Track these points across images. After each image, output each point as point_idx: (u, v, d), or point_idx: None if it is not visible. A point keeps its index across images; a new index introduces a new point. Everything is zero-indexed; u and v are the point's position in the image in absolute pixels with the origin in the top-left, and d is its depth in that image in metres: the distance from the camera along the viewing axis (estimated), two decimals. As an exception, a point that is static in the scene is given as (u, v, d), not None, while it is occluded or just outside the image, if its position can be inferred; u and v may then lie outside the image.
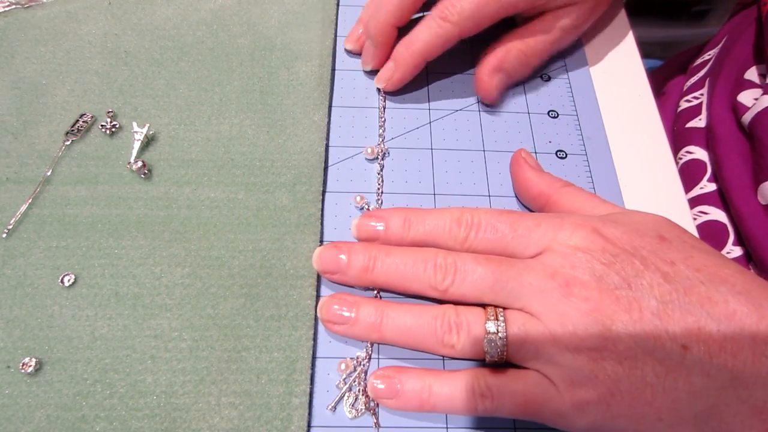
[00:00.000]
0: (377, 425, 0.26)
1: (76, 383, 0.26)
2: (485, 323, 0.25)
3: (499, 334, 0.24)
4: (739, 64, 0.44)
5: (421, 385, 0.25)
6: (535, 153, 0.36)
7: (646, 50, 0.42)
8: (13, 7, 0.38)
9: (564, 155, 0.36)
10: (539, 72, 0.39)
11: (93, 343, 0.27)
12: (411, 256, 0.27)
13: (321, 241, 0.31)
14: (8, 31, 0.37)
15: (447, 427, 0.26)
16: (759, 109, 0.38)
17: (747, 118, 0.39)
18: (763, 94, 0.38)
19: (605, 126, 0.37)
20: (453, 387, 0.25)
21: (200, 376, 0.27)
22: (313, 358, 0.28)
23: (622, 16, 0.43)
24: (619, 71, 0.40)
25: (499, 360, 0.25)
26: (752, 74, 0.41)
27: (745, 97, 0.40)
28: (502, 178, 0.34)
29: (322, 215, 0.32)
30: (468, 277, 0.26)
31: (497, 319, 0.25)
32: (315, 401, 0.27)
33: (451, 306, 0.26)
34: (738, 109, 0.40)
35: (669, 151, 0.36)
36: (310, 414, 0.27)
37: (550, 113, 0.37)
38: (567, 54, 0.40)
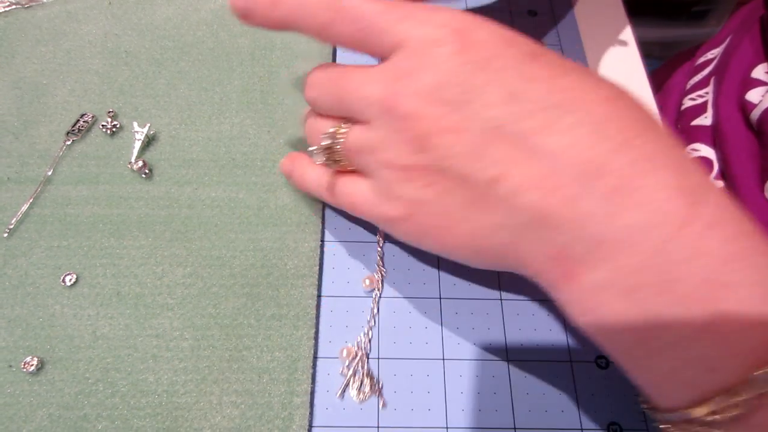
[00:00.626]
0: (384, 405, 0.27)
1: (77, 382, 0.26)
2: (320, 137, 0.25)
3: (335, 146, 0.25)
4: (746, 62, 0.44)
5: (300, 171, 0.29)
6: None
7: (646, 50, 0.42)
8: (14, 7, 0.38)
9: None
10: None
11: (95, 343, 0.27)
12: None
13: (322, 241, 0.31)
14: (8, 31, 0.37)
15: (447, 427, 0.27)
16: (764, 107, 0.38)
17: (755, 115, 0.39)
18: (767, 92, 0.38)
19: (605, 125, 0.37)
20: (312, 175, 0.28)
21: (202, 375, 0.27)
22: (314, 357, 0.28)
23: (622, 16, 0.43)
24: (619, 71, 0.40)
25: (340, 168, 0.26)
26: (759, 72, 0.41)
27: (753, 95, 0.40)
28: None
29: (323, 215, 0.32)
30: (324, 93, 0.25)
31: (336, 133, 0.25)
32: (316, 400, 0.27)
33: (311, 118, 0.27)
34: (746, 107, 0.40)
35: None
36: (311, 413, 0.27)
37: (550, 113, 0.38)
38: (567, 54, 0.40)
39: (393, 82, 0.22)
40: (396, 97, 0.22)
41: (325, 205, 0.32)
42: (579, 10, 0.43)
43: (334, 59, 0.38)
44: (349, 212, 0.27)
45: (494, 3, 0.42)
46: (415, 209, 0.23)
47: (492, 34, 0.22)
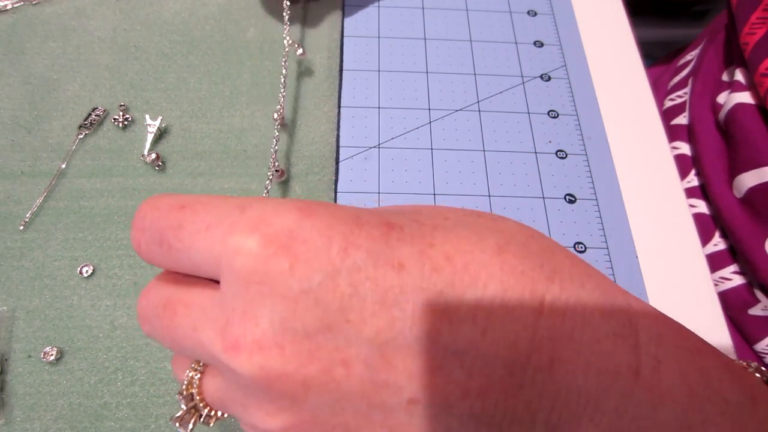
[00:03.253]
0: None
1: (97, 371, 0.27)
2: (180, 389, 0.19)
3: (197, 401, 0.19)
4: (716, 66, 0.45)
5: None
6: (535, 153, 0.36)
7: (646, 50, 0.43)
8: (22, 3, 0.38)
9: (564, 155, 0.36)
10: (539, 72, 0.40)
11: (113, 332, 0.28)
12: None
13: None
14: (17, 28, 0.37)
15: None
16: (729, 107, 0.39)
17: (722, 116, 0.40)
18: (731, 92, 0.39)
19: (605, 126, 0.37)
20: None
21: (220, 362, 0.27)
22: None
23: (622, 16, 0.43)
24: (619, 71, 0.41)
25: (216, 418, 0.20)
26: (727, 76, 0.43)
27: (723, 98, 0.41)
28: (502, 178, 0.35)
29: (335, 204, 0.32)
30: (155, 330, 0.19)
31: (192, 380, 0.19)
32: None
33: (173, 360, 0.21)
34: (716, 108, 0.42)
35: (668, 151, 0.37)
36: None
37: (550, 113, 0.38)
38: (567, 54, 0.41)
39: (227, 329, 0.16)
40: (236, 353, 0.16)
41: (336, 198, 0.32)
42: (579, 10, 0.43)
43: (341, 51, 0.39)
44: None
45: (494, 3, 0.43)
46: None
47: (322, 221, 0.16)
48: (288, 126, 0.34)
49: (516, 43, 0.41)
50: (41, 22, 0.38)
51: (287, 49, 0.34)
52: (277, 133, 0.32)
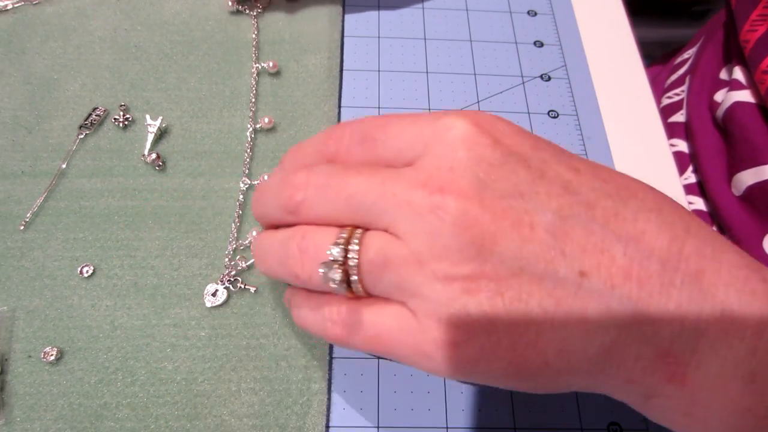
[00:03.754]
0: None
1: (97, 371, 0.27)
2: (329, 248, 0.19)
3: (349, 261, 0.19)
4: (714, 64, 0.45)
5: (298, 305, 0.23)
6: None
7: (646, 50, 0.43)
8: (22, 3, 0.38)
9: (564, 156, 0.36)
10: (539, 72, 0.40)
11: (113, 333, 0.28)
12: (270, 182, 0.23)
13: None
14: (18, 28, 0.37)
15: (447, 428, 0.27)
16: (727, 105, 0.39)
17: (719, 114, 0.40)
18: (729, 90, 0.39)
19: (605, 126, 0.37)
20: (311, 309, 0.22)
21: (220, 363, 0.27)
22: (330, 344, 0.28)
23: (622, 16, 0.43)
24: (619, 71, 0.41)
25: (353, 293, 0.20)
26: (724, 74, 0.43)
27: (719, 96, 0.41)
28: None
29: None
30: (322, 193, 0.20)
31: (348, 244, 0.19)
32: (334, 386, 0.27)
33: (302, 227, 0.21)
34: (713, 107, 0.42)
35: (669, 151, 0.37)
36: (329, 399, 0.27)
37: (550, 113, 0.38)
38: (567, 54, 0.41)
39: (432, 178, 0.18)
40: (443, 195, 0.18)
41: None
42: (579, 10, 0.43)
43: (341, 51, 0.39)
44: (374, 352, 0.21)
45: (494, 3, 0.43)
46: (480, 327, 0.18)
47: (512, 126, 0.20)
48: (287, 126, 0.34)
49: (516, 43, 0.41)
50: (42, 22, 0.38)
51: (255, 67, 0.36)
52: (249, 138, 0.33)
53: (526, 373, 0.19)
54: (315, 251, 0.20)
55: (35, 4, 0.39)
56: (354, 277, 0.19)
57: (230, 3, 0.38)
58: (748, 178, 0.37)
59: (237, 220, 0.31)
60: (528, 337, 0.18)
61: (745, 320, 0.17)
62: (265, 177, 0.32)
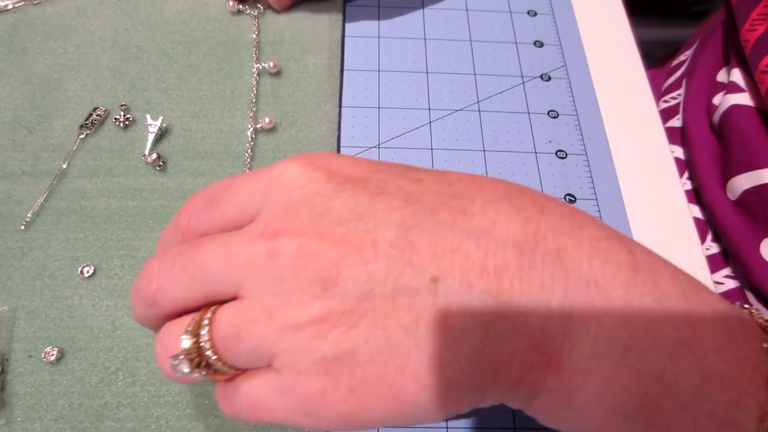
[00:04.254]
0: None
1: (98, 371, 0.27)
2: (180, 340, 0.18)
3: (202, 345, 0.18)
4: (711, 66, 0.45)
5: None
6: (535, 153, 0.36)
7: (646, 50, 0.43)
8: (23, 3, 0.38)
9: (564, 155, 0.36)
10: (539, 72, 0.40)
11: (114, 332, 0.28)
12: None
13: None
14: (18, 28, 0.37)
15: (447, 428, 0.27)
16: (724, 109, 0.39)
17: (716, 117, 0.40)
18: (726, 94, 0.39)
19: (605, 126, 0.37)
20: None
21: (221, 362, 0.27)
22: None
23: (622, 16, 0.43)
24: (619, 71, 0.41)
25: (223, 374, 0.19)
26: (722, 76, 0.43)
27: (718, 99, 0.41)
28: (502, 177, 0.34)
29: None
30: (172, 276, 0.19)
31: (199, 328, 0.18)
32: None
33: (165, 325, 0.20)
34: (710, 110, 0.42)
35: (668, 151, 0.37)
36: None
37: (550, 113, 0.38)
38: (567, 54, 0.41)
39: (267, 227, 0.18)
40: (277, 238, 0.17)
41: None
42: (579, 10, 0.43)
43: (342, 51, 0.39)
44: (259, 421, 0.19)
45: (494, 3, 0.43)
46: (342, 368, 0.17)
47: (346, 157, 0.20)
48: (288, 126, 0.34)
49: (516, 43, 0.41)
50: (42, 22, 0.38)
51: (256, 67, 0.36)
52: (250, 138, 0.34)
53: (408, 404, 0.17)
54: (174, 346, 0.18)
55: (36, 3, 0.39)
56: (213, 358, 0.18)
57: (231, 3, 0.38)
58: (743, 182, 0.37)
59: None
60: (395, 364, 0.17)
61: (612, 292, 0.17)
62: None
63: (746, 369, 0.16)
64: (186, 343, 0.18)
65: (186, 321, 0.19)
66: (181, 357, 0.18)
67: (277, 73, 0.37)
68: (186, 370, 0.18)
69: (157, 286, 0.19)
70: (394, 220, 0.17)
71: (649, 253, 0.18)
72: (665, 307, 0.17)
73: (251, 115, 0.34)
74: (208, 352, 0.18)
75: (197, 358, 0.18)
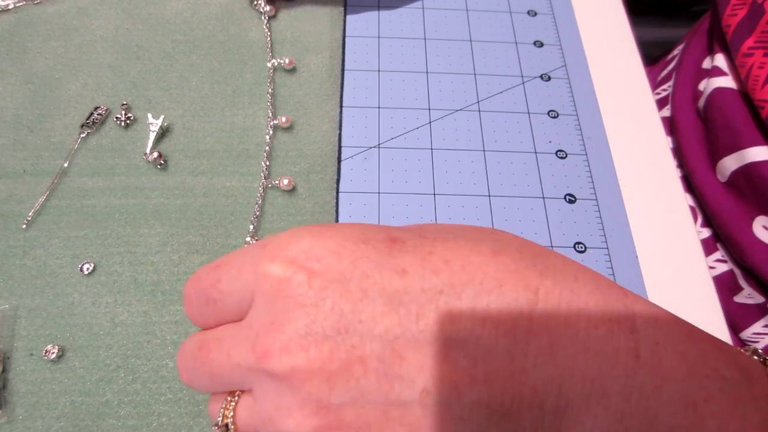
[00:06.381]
0: None
1: (98, 369, 0.27)
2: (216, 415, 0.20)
3: (228, 424, 0.20)
4: (697, 54, 0.46)
5: None
6: (535, 153, 0.36)
7: (645, 50, 0.43)
8: (24, 2, 0.39)
9: (564, 155, 0.36)
10: (539, 72, 0.40)
11: (114, 330, 0.28)
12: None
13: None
14: (19, 27, 0.37)
15: None
16: (708, 93, 0.39)
17: (701, 103, 0.41)
18: (710, 78, 0.40)
19: (605, 126, 0.37)
20: None
21: (221, 360, 0.27)
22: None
23: (622, 16, 0.43)
24: (619, 71, 0.41)
25: None
26: (707, 63, 0.43)
27: (703, 85, 0.42)
28: (502, 178, 0.35)
29: (336, 205, 0.32)
30: (193, 375, 0.21)
31: (226, 411, 0.20)
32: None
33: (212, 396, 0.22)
34: (697, 96, 0.42)
35: (668, 150, 0.37)
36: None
37: (550, 113, 0.38)
38: (567, 54, 0.41)
39: (257, 341, 0.18)
40: (267, 359, 0.18)
41: (338, 197, 0.33)
42: (579, 10, 0.43)
43: (343, 49, 0.39)
44: None
45: (494, 3, 0.43)
46: None
47: (328, 243, 0.18)
48: (290, 125, 0.34)
49: (516, 43, 0.41)
50: (43, 22, 0.38)
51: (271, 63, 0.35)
52: (270, 133, 0.33)
53: None
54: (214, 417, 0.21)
55: (37, 3, 0.39)
56: None
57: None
58: (731, 163, 0.37)
59: (233, 217, 0.31)
60: None
61: (609, 388, 0.16)
62: None
63: None
64: (219, 424, 0.20)
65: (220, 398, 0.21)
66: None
67: (278, 73, 0.37)
68: None
69: (186, 380, 0.21)
70: (379, 331, 0.17)
71: (656, 322, 0.18)
72: (666, 394, 0.17)
73: (252, 114, 0.34)
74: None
75: None
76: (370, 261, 0.18)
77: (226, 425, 0.20)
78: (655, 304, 0.18)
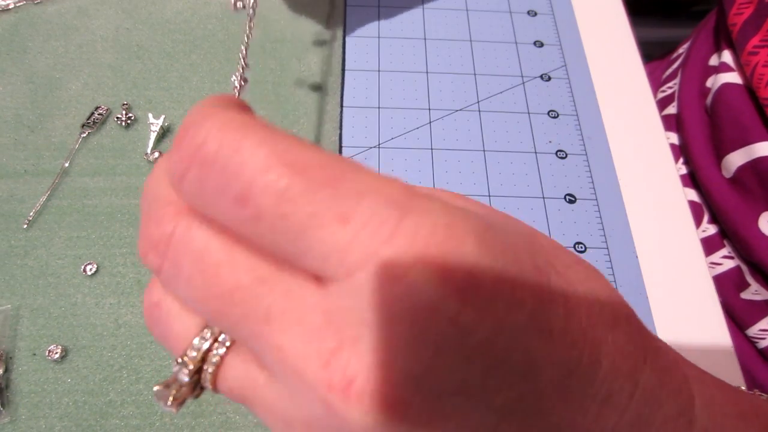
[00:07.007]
0: None
1: (102, 369, 0.27)
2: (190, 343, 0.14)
3: (205, 370, 0.14)
4: (704, 51, 0.46)
5: None
6: (535, 153, 0.36)
7: (645, 50, 0.43)
8: (24, 2, 0.39)
9: (564, 155, 0.36)
10: (539, 72, 0.40)
11: (117, 330, 0.28)
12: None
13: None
14: (19, 27, 0.37)
15: None
16: (715, 89, 0.40)
17: (709, 99, 0.41)
18: (717, 74, 0.40)
19: (605, 126, 0.38)
20: None
21: (224, 360, 0.27)
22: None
23: (622, 16, 0.44)
24: (619, 71, 0.41)
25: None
26: (714, 60, 0.43)
27: (710, 82, 0.42)
28: (502, 178, 0.35)
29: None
30: (183, 275, 0.13)
31: (209, 350, 0.14)
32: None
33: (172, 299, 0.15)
34: (704, 92, 0.42)
35: (668, 150, 0.37)
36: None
37: (550, 113, 0.38)
38: (567, 54, 0.41)
39: (338, 355, 0.12)
40: (345, 397, 0.11)
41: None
42: (579, 10, 0.43)
43: (343, 51, 0.39)
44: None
45: (494, 3, 0.43)
46: None
47: (497, 257, 0.12)
48: (290, 125, 0.35)
49: (516, 43, 0.41)
50: (44, 21, 0.38)
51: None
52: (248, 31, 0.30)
53: None
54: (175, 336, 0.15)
55: (37, 3, 0.39)
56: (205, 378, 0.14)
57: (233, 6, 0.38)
58: (737, 158, 0.37)
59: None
60: None
61: None
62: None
63: None
64: (193, 354, 0.14)
65: (192, 324, 0.14)
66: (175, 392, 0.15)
67: (279, 73, 0.37)
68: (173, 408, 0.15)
69: (159, 266, 0.14)
70: (498, 403, 0.13)
71: (711, 404, 0.17)
72: None
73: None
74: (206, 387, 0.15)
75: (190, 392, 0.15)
76: (526, 312, 0.13)
77: (200, 370, 0.14)
78: (713, 378, 0.19)
